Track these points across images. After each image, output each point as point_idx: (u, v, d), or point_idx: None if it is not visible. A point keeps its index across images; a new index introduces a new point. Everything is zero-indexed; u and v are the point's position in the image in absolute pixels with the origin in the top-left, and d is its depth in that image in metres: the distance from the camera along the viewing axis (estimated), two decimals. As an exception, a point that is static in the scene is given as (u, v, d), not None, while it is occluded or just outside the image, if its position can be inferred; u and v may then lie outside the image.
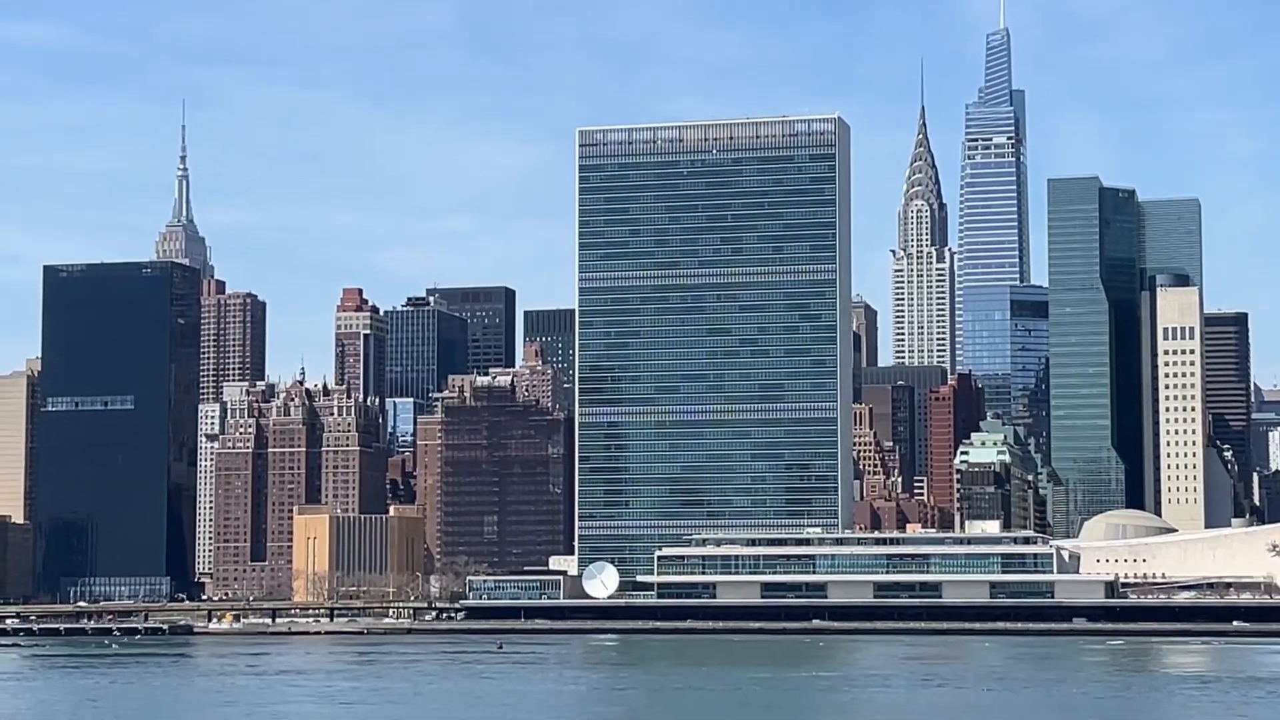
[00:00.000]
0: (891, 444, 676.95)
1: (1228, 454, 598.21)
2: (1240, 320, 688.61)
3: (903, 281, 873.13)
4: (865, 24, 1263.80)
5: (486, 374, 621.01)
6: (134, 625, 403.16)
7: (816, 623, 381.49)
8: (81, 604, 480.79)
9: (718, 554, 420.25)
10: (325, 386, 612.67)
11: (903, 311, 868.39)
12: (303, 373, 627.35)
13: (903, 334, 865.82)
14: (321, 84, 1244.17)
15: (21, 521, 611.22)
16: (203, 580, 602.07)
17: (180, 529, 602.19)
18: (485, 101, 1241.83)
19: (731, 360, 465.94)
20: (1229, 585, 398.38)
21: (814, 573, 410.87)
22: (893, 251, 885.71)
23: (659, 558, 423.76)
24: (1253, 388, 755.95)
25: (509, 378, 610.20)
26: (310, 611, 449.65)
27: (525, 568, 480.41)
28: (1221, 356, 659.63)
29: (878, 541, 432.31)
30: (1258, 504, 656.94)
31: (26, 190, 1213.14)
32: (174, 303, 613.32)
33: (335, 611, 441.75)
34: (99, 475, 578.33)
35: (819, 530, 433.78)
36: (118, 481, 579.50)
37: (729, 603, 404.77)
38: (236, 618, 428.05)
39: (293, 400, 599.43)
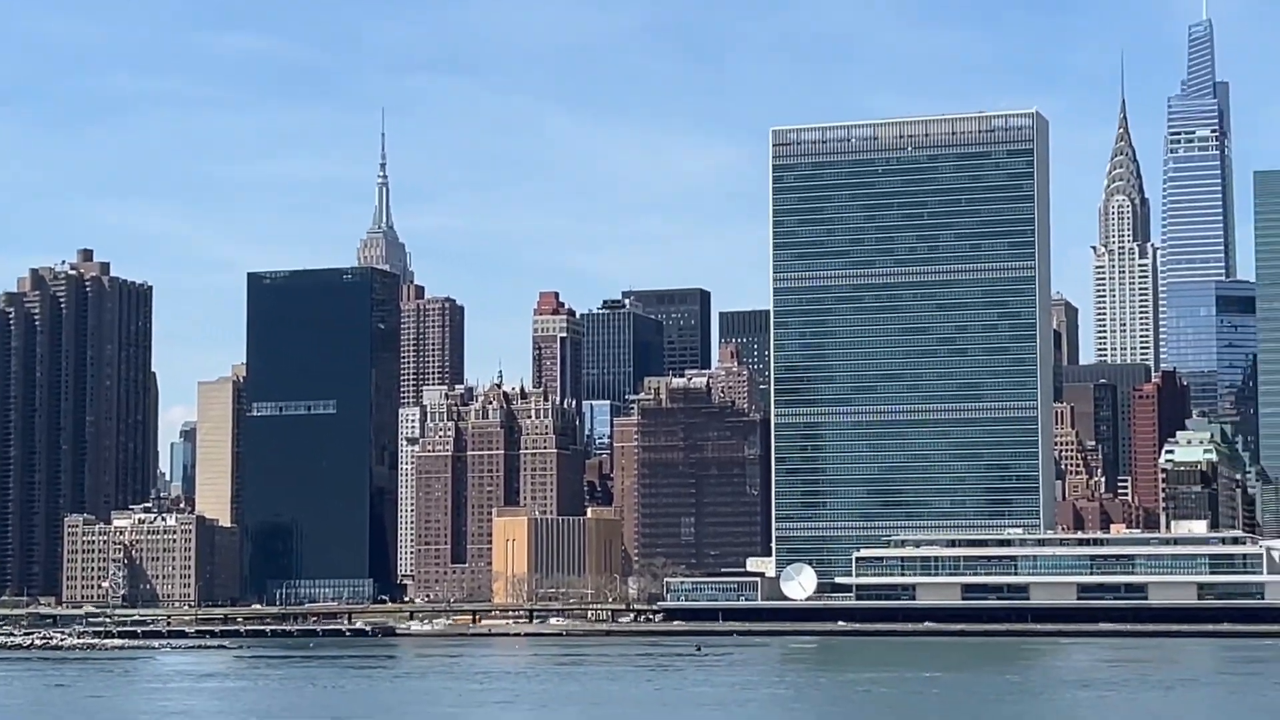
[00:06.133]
0: (1094, 443, 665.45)
1: None
2: None
3: (1104, 278, 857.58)
4: (1064, 17, 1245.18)
5: (682, 376, 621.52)
6: (338, 627, 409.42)
7: (1018, 625, 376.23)
8: (287, 606, 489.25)
9: (917, 555, 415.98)
10: (523, 390, 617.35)
11: (1104, 308, 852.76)
12: (500, 376, 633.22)
13: (1104, 331, 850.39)
14: (516, 89, 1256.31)
15: (229, 525, 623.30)
16: (404, 582, 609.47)
17: (382, 532, 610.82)
18: (678, 103, 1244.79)
19: (929, 359, 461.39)
20: None
21: (1016, 574, 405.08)
22: (1093, 248, 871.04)
23: (857, 559, 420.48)
24: None
25: (705, 379, 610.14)
26: (510, 613, 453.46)
27: (722, 569, 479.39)
28: None
29: (1081, 542, 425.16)
30: None
31: (232, 199, 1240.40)
32: (375, 308, 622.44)
33: (534, 613, 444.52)
34: (303, 479, 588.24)
35: (1020, 531, 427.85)
36: (321, 485, 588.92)
37: (929, 604, 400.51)
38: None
39: (491, 403, 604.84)
